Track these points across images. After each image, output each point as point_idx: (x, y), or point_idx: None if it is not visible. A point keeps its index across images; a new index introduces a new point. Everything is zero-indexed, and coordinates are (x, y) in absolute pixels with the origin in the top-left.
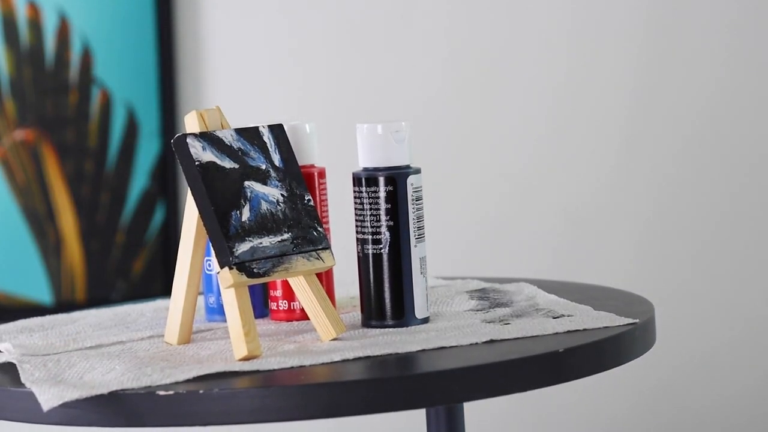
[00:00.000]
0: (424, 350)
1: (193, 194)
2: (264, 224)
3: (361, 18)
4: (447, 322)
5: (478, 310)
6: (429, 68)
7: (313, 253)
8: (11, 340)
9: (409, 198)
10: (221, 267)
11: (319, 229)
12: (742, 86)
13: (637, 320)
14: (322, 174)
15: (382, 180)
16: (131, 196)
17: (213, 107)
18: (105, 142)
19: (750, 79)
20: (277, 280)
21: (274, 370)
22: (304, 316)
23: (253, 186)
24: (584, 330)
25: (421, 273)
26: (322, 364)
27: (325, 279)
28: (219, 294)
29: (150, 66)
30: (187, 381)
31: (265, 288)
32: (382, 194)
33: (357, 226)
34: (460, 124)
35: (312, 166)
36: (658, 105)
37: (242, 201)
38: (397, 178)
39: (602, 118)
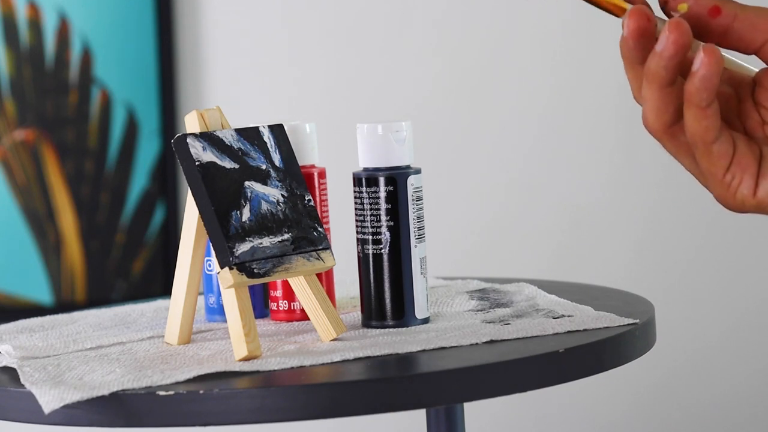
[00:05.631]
0: (424, 350)
1: (193, 194)
2: (264, 224)
3: (361, 18)
4: (447, 322)
5: (478, 311)
6: (429, 68)
7: (314, 253)
8: (11, 341)
9: (410, 198)
10: (221, 267)
11: (319, 229)
12: None
13: (637, 320)
14: (322, 174)
15: (382, 180)
16: (131, 196)
17: (213, 107)
18: (105, 142)
19: None
20: (277, 281)
21: (274, 370)
22: (304, 317)
23: (254, 186)
24: (584, 330)
25: (422, 273)
26: (323, 364)
27: (325, 279)
28: (219, 294)
29: (150, 66)
30: (187, 381)
31: (265, 288)
32: (382, 194)
33: (357, 226)
34: (460, 124)
35: (312, 166)
36: None
37: (242, 201)
38: (397, 178)
39: (602, 118)
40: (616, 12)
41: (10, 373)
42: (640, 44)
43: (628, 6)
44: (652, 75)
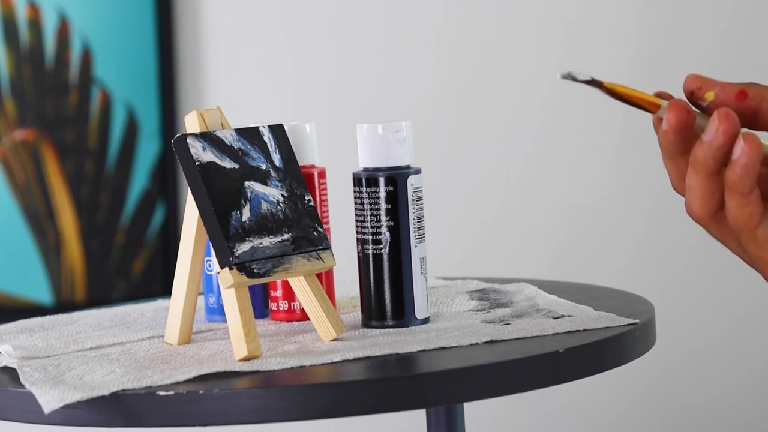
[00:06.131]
0: (424, 350)
1: (193, 194)
2: (264, 224)
3: (361, 18)
4: (447, 322)
5: (478, 311)
6: (429, 68)
7: (313, 253)
8: (11, 341)
9: (410, 198)
10: (221, 267)
11: (319, 229)
12: None
13: (638, 320)
14: (322, 174)
15: (382, 180)
16: (131, 196)
17: (213, 107)
18: (105, 142)
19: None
20: (278, 281)
21: (275, 370)
22: (304, 317)
23: (254, 186)
24: (584, 330)
25: (422, 273)
26: (323, 364)
27: (325, 279)
28: (219, 294)
29: (150, 66)
30: (187, 381)
31: (266, 288)
32: (382, 194)
33: (357, 226)
34: (460, 124)
35: (312, 166)
36: None
37: (242, 201)
38: (397, 178)
39: (602, 118)
40: (649, 108)
41: (10, 373)
42: (681, 136)
43: (662, 102)
44: (699, 164)
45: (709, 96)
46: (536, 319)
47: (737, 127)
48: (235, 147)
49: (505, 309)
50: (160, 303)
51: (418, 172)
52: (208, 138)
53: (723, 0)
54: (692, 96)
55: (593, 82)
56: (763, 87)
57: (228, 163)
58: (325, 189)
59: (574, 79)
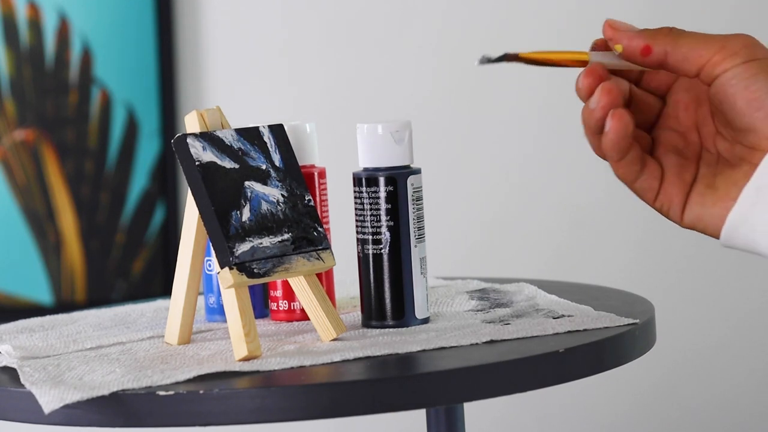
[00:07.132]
0: (424, 350)
1: (193, 194)
2: (264, 224)
3: (361, 18)
4: (447, 322)
5: (478, 311)
6: (429, 68)
7: (313, 253)
8: (11, 341)
9: (410, 198)
10: (221, 267)
11: (319, 229)
12: None
13: (638, 320)
14: (322, 174)
15: (382, 180)
16: (131, 196)
17: (213, 107)
18: (105, 142)
19: None
20: (277, 281)
21: (275, 370)
22: (304, 317)
23: (254, 186)
24: (584, 330)
25: (422, 273)
26: (323, 364)
27: (325, 279)
28: (219, 294)
29: (150, 66)
30: (187, 381)
31: (265, 288)
32: (382, 194)
33: (357, 226)
34: (460, 124)
35: (312, 166)
36: None
37: (242, 201)
38: (397, 178)
39: None
40: (579, 66)
41: (10, 373)
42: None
43: (589, 55)
44: (586, 125)
45: (618, 48)
46: (536, 319)
47: (616, 102)
48: (235, 147)
49: (505, 309)
50: (160, 303)
51: (418, 172)
52: (208, 138)
53: (723, 0)
54: (607, 44)
55: (508, 57)
56: (669, 40)
57: (228, 163)
58: (325, 189)
59: (489, 60)
